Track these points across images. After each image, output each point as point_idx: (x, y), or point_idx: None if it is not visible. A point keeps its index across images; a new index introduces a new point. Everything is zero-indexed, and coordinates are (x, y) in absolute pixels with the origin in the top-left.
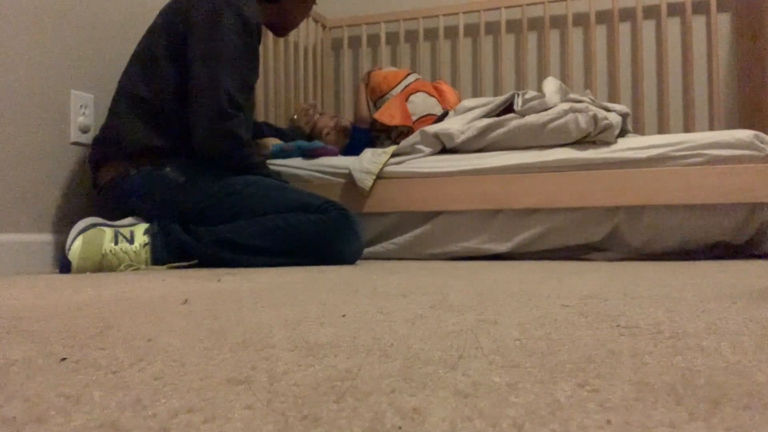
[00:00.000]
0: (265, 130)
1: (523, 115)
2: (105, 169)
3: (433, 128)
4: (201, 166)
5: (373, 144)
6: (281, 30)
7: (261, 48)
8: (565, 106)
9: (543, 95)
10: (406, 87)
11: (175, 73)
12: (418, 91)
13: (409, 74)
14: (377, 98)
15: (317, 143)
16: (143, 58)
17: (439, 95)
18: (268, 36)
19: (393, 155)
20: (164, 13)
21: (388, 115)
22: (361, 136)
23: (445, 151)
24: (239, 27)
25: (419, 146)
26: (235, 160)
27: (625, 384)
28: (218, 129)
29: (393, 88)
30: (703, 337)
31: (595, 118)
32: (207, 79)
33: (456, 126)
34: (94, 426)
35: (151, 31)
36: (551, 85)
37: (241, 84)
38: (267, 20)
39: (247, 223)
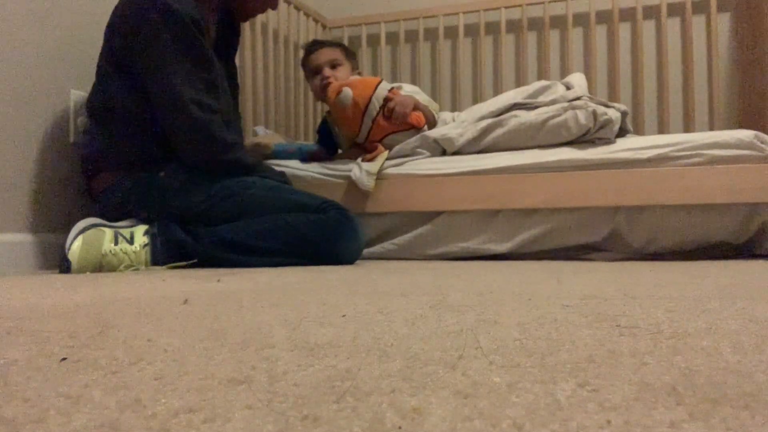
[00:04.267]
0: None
1: (533, 107)
2: (98, 179)
3: (432, 134)
4: (196, 168)
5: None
6: (240, 14)
7: (260, 48)
8: (564, 103)
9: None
10: None
11: (126, 84)
12: None
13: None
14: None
15: (312, 145)
16: (98, 73)
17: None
18: (268, 35)
19: (392, 157)
20: (108, 24)
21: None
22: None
23: (445, 154)
24: (171, 27)
25: (420, 149)
26: (225, 164)
27: (625, 384)
28: (196, 139)
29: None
30: (703, 337)
31: (594, 114)
32: (165, 93)
33: (455, 130)
34: (94, 426)
35: (102, 46)
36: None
37: (203, 85)
38: (225, 4)
39: (247, 224)
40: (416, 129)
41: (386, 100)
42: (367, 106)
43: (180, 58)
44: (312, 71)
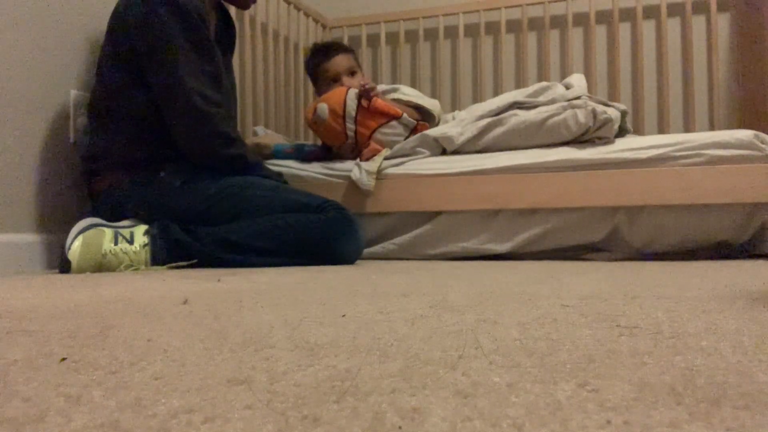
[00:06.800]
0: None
1: (533, 106)
2: (99, 179)
3: (433, 132)
4: (197, 168)
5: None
6: (241, 2)
7: (260, 48)
8: (563, 102)
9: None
10: None
11: (128, 84)
12: None
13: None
14: None
15: (311, 145)
16: (99, 73)
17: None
18: (268, 35)
19: (392, 157)
20: (111, 22)
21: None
22: None
23: (445, 153)
24: (178, 21)
25: (419, 149)
26: (225, 159)
27: (625, 384)
28: (201, 132)
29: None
30: (703, 337)
31: (594, 113)
32: (170, 84)
33: (455, 129)
34: (94, 426)
35: (102, 46)
36: (580, 81)
37: (207, 78)
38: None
39: (247, 224)
40: (395, 118)
41: (359, 97)
42: (344, 109)
43: (186, 50)
44: (330, 79)
